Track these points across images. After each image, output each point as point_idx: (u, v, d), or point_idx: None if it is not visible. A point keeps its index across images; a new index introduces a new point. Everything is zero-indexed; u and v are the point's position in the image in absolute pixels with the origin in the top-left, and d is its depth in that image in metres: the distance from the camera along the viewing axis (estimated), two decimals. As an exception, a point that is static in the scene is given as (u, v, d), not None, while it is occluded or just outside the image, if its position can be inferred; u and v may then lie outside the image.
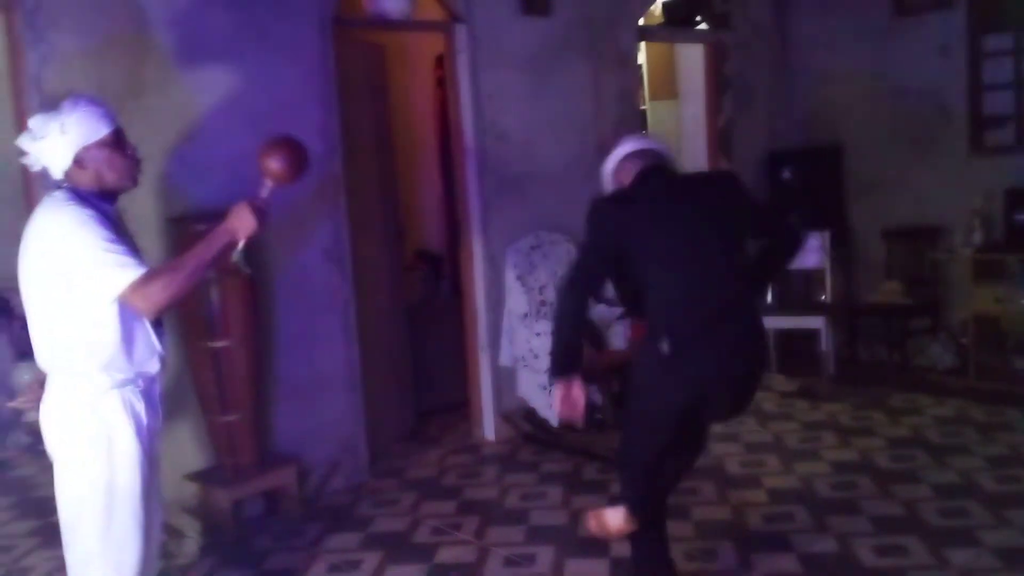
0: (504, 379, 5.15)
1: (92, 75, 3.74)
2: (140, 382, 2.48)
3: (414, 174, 6.34)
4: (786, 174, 6.48)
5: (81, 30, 3.72)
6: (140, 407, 2.47)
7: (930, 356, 5.86)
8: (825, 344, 5.75)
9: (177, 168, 3.96)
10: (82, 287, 2.34)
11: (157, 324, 2.51)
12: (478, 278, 5.12)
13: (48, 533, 4.12)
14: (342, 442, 4.52)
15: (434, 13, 5.11)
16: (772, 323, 5.40)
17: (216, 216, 3.85)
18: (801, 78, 6.66)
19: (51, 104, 3.58)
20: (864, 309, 6.10)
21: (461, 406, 5.42)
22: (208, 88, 4.04)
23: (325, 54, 4.38)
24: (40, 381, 2.57)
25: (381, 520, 4.13)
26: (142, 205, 3.88)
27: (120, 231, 2.46)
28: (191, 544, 3.76)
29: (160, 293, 2.32)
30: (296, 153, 2.56)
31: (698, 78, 6.76)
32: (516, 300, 5.05)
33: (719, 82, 6.43)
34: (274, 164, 2.52)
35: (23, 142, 2.44)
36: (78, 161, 2.41)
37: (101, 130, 2.43)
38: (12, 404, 3.01)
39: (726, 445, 4.74)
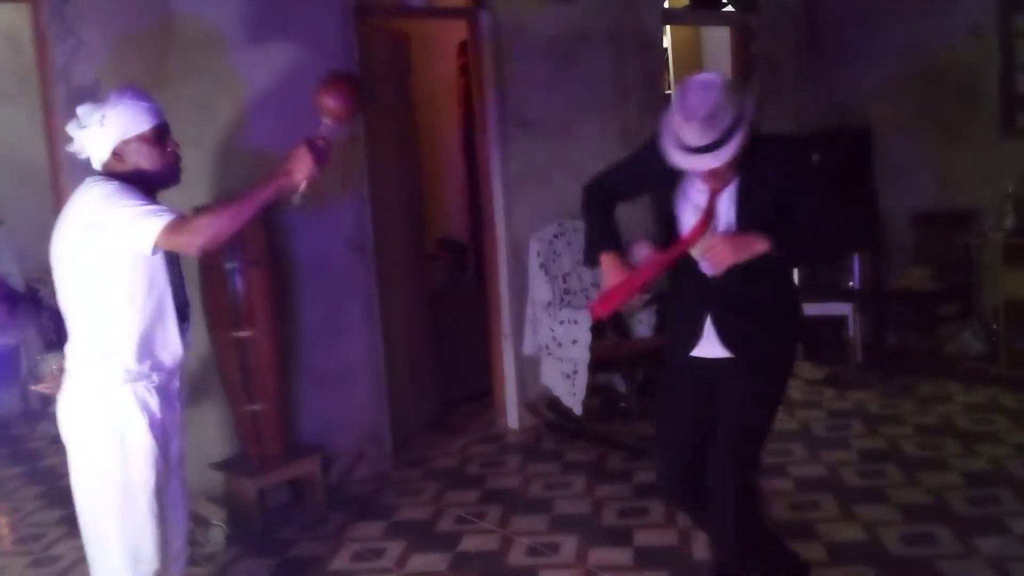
0: (527, 368, 5.14)
1: (118, 67, 3.76)
2: (155, 377, 2.47)
3: (437, 162, 6.33)
4: (814, 157, 6.40)
5: (107, 22, 3.74)
6: (154, 402, 2.46)
7: (960, 343, 5.78)
8: (853, 331, 5.69)
9: (201, 157, 3.98)
10: (118, 248, 2.33)
11: (182, 318, 2.52)
12: (501, 266, 5.11)
13: (76, 523, 4.17)
14: (366, 431, 4.54)
15: (457, 0, 5.08)
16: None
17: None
18: (829, 60, 6.56)
19: (79, 96, 3.65)
20: (893, 295, 6.02)
21: (484, 395, 5.42)
22: (232, 78, 4.05)
23: (348, 43, 4.37)
24: (63, 368, 2.57)
25: (405, 509, 4.15)
26: (166, 193, 3.90)
27: None
28: (217, 533, 3.79)
29: (207, 228, 2.30)
30: (352, 89, 2.53)
31: (724, 61, 6.69)
32: (539, 288, 5.04)
33: (746, 65, 6.36)
34: (331, 101, 2.48)
35: (70, 129, 2.46)
36: (117, 153, 2.42)
37: (142, 124, 2.42)
38: (35, 387, 3.03)
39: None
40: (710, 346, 2.68)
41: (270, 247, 3.91)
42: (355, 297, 4.47)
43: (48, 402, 5.81)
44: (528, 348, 5.12)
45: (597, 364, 4.78)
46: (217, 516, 3.85)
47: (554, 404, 5.05)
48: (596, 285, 5.14)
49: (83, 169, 3.65)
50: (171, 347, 2.50)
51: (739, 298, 2.63)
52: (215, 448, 4.05)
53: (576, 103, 5.29)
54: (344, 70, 2.60)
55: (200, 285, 3.89)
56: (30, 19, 3.84)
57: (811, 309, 5.67)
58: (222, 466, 4.01)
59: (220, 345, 3.89)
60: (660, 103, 5.87)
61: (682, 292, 2.79)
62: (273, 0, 4.14)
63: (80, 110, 2.44)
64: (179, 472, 2.65)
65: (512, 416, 5.19)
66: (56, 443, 5.56)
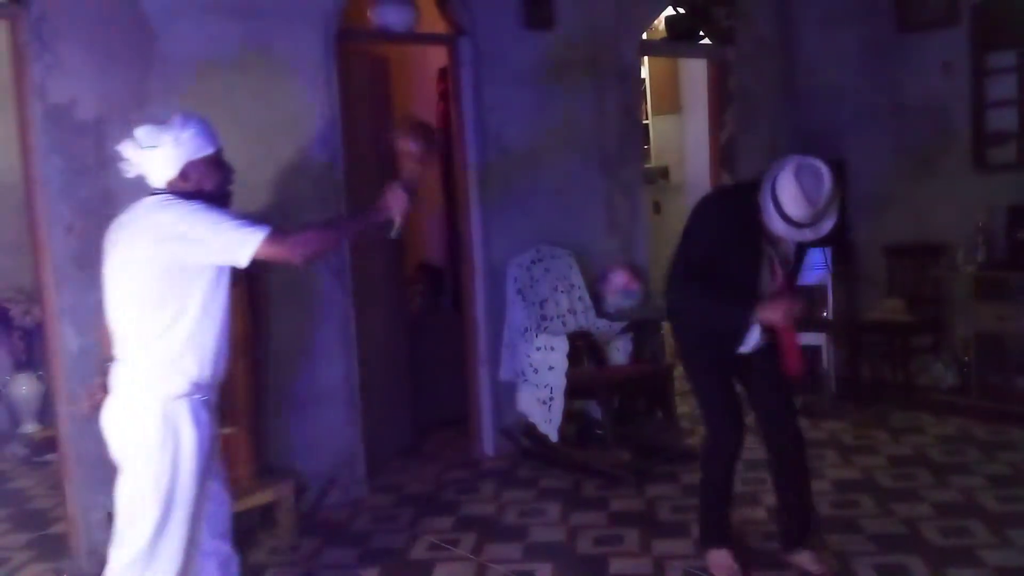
0: (504, 394, 5.13)
1: (95, 85, 3.75)
2: (206, 391, 2.63)
3: (416, 186, 6.33)
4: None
5: (86, 40, 3.73)
6: (204, 416, 2.61)
7: (932, 374, 5.84)
8: (826, 362, 5.73)
9: (178, 179, 3.96)
10: (208, 261, 2.53)
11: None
12: (479, 292, 5.10)
13: (43, 545, 4.11)
14: (340, 456, 4.50)
15: (438, 26, 5.12)
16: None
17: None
18: (804, 94, 6.66)
19: (55, 114, 3.63)
20: (866, 326, 6.07)
21: (460, 421, 5.40)
22: (213, 100, 4.04)
23: (329, 67, 4.38)
24: (102, 384, 2.70)
25: (378, 535, 4.10)
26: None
27: None
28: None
29: (310, 242, 2.62)
30: (428, 135, 2.87)
31: (701, 93, 6.78)
32: (516, 314, 5.04)
33: (722, 97, 6.43)
34: (412, 146, 2.82)
35: (126, 149, 2.63)
36: (183, 173, 2.61)
37: (207, 148, 2.65)
38: (72, 407, 3.06)
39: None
40: (747, 346, 3.35)
41: (245, 269, 3.88)
42: (331, 320, 4.45)
43: (17, 423, 5.74)
44: (505, 374, 5.11)
45: (573, 391, 4.78)
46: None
47: (530, 431, 5.03)
48: (573, 311, 5.16)
49: (58, 188, 3.65)
50: (223, 361, 2.68)
51: None
52: (186, 472, 3.99)
53: (555, 130, 5.32)
54: (417, 119, 3.04)
55: (175, 306, 3.85)
56: (7, 35, 3.82)
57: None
58: (193, 490, 3.95)
59: (194, 367, 3.84)
60: (638, 132, 5.93)
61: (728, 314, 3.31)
62: (256, 24, 4.15)
63: (139, 131, 2.61)
64: (221, 471, 2.82)
65: (488, 442, 5.16)
66: (25, 464, 5.49)
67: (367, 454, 4.63)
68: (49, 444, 5.03)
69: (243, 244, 2.50)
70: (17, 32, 3.68)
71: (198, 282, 2.55)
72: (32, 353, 5.66)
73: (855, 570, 3.48)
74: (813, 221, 3.04)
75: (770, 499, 4.23)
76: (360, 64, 4.91)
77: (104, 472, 3.79)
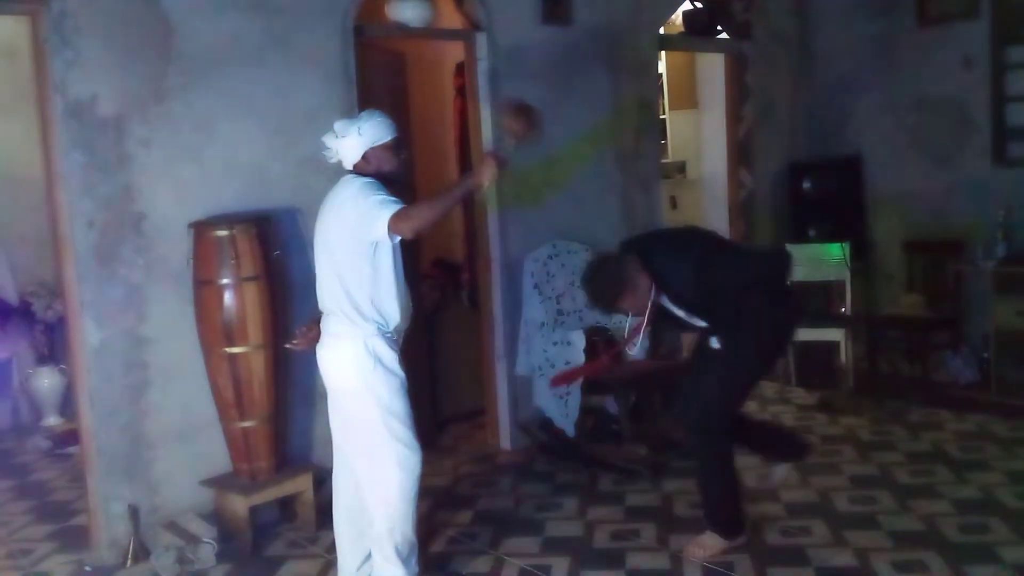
0: (521, 388, 5.14)
1: (115, 81, 3.78)
2: (395, 333, 3.25)
3: (433, 181, 6.34)
4: (807, 185, 6.45)
5: (106, 36, 3.75)
6: (395, 348, 3.23)
7: (951, 370, 5.81)
8: (844, 357, 5.71)
9: (198, 172, 3.99)
10: (366, 234, 3.05)
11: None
12: (495, 287, 5.12)
13: (65, 537, 4.15)
14: (358, 449, 4.51)
15: (455, 22, 5.12)
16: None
17: (237, 221, 3.90)
18: (822, 88, 6.63)
19: (75, 110, 3.66)
20: (884, 322, 6.05)
21: (477, 415, 5.42)
22: (231, 94, 4.07)
23: (347, 62, 4.40)
24: (312, 323, 3.33)
25: (396, 528, 4.12)
26: (164, 208, 3.91)
27: None
28: (207, 550, 3.77)
29: (416, 219, 3.03)
30: (530, 116, 3.26)
31: (718, 88, 6.75)
32: (533, 309, 5.05)
33: (739, 92, 6.41)
34: (515, 124, 3.26)
35: (328, 139, 3.23)
36: (365, 157, 3.20)
37: (386, 135, 3.22)
38: (288, 345, 3.55)
39: (743, 457, 4.70)
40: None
41: (265, 263, 3.91)
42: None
43: (39, 416, 5.80)
44: (521, 369, 5.12)
45: (590, 386, 4.78)
46: (207, 533, 3.83)
47: (547, 425, 5.04)
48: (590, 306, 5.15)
49: (79, 183, 3.69)
50: (406, 311, 3.27)
51: None
52: (206, 465, 4.03)
53: (571, 126, 5.32)
54: (523, 100, 3.42)
55: (194, 300, 3.89)
56: (28, 31, 3.85)
57: (803, 334, 5.75)
58: (213, 483, 3.99)
59: (213, 361, 3.87)
60: (655, 128, 5.92)
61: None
62: (274, 19, 4.18)
63: (337, 124, 3.22)
64: None
65: (505, 436, 5.18)
66: (48, 457, 5.55)
67: (384, 448, 4.64)
68: (71, 437, 5.08)
69: (379, 219, 3.01)
70: (38, 29, 3.71)
71: (382, 247, 3.11)
72: (54, 347, 5.72)
73: (873, 566, 3.47)
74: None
75: (787, 495, 4.23)
76: (377, 59, 4.92)
77: (125, 465, 3.86)
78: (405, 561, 3.28)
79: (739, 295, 3.50)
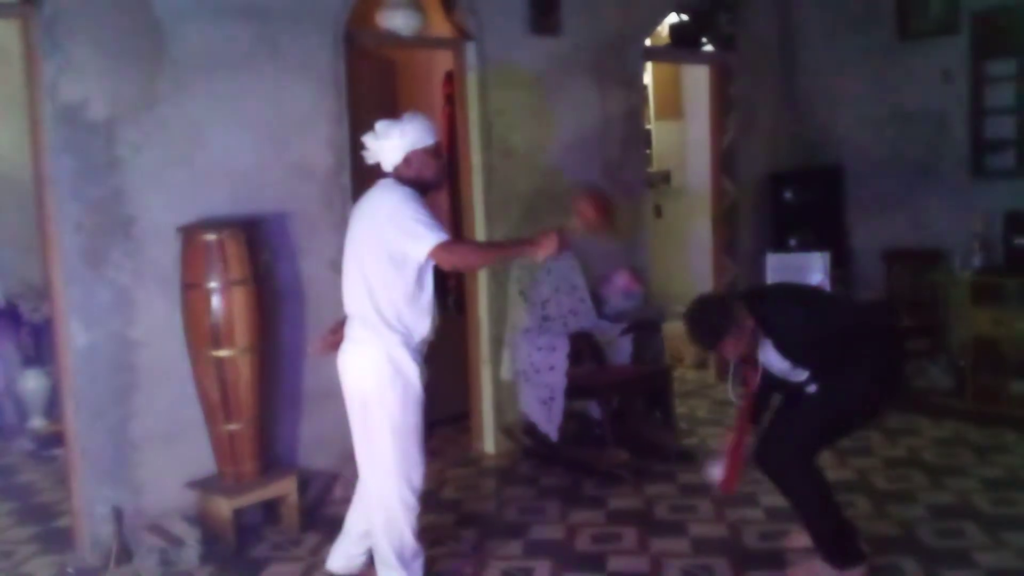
0: (505, 393, 5.18)
1: (108, 85, 3.80)
2: (420, 343, 3.22)
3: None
4: (788, 195, 6.53)
5: (97, 40, 3.78)
6: (418, 360, 3.19)
7: (928, 378, 5.88)
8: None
9: (189, 177, 4.02)
10: (401, 249, 3.03)
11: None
12: (481, 292, 5.16)
13: (49, 539, 4.16)
14: (343, 452, 4.52)
15: (444, 31, 5.17)
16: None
17: (226, 225, 3.92)
18: (804, 100, 6.72)
19: (66, 113, 3.69)
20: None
21: (462, 419, 5.45)
22: (222, 100, 4.10)
23: (337, 69, 4.44)
24: (337, 326, 3.35)
25: (380, 531, 4.14)
26: (154, 212, 3.94)
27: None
28: (191, 552, 3.78)
29: (467, 256, 3.23)
30: (607, 209, 3.23)
31: (703, 99, 6.83)
32: (518, 315, 5.09)
33: (724, 103, 6.49)
34: (589, 212, 3.20)
35: (367, 139, 3.20)
36: (406, 160, 3.17)
37: (427, 139, 3.19)
38: (311, 350, 3.58)
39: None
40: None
41: (253, 267, 3.94)
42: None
43: (25, 417, 5.79)
44: (506, 373, 5.16)
45: (574, 391, 4.83)
46: (191, 535, 3.84)
47: (531, 429, 5.09)
48: (574, 312, 5.21)
49: (69, 187, 3.71)
50: (433, 322, 3.23)
51: None
52: (191, 467, 4.05)
53: (559, 135, 5.38)
54: (603, 192, 3.45)
55: (182, 303, 3.91)
56: (20, 35, 3.87)
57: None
58: (198, 485, 4.01)
59: (199, 364, 3.90)
60: (641, 137, 5.99)
61: None
62: (265, 26, 4.21)
63: (378, 125, 3.18)
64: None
65: (489, 440, 5.22)
66: (32, 459, 5.53)
67: (369, 452, 4.67)
68: (56, 439, 5.08)
69: (423, 242, 3.01)
70: (29, 32, 3.73)
71: (413, 261, 3.06)
72: (40, 349, 5.71)
73: (849, 569, 3.52)
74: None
75: (767, 500, 4.29)
76: (367, 67, 4.97)
77: (110, 467, 3.88)
78: (407, 565, 3.28)
79: (846, 340, 3.40)
